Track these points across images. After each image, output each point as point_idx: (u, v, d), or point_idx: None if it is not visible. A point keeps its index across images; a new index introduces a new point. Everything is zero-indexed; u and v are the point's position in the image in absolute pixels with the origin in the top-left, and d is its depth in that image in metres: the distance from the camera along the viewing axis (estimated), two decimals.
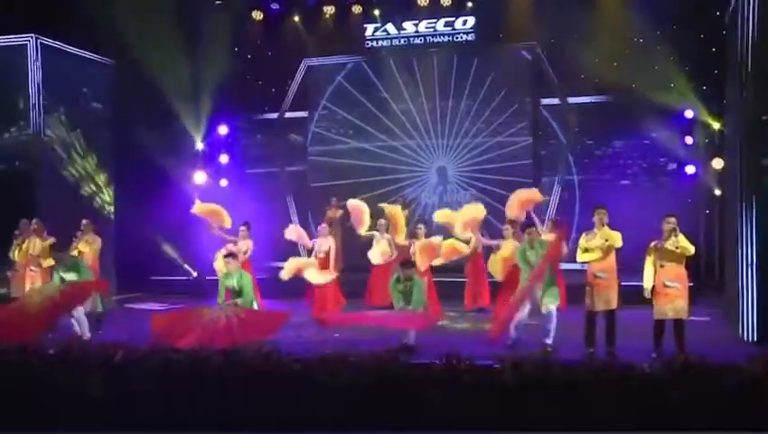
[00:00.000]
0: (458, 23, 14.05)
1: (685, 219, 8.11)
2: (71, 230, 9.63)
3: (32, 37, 11.50)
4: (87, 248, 9.38)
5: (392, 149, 14.30)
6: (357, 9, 14.37)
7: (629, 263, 7.87)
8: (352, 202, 10.79)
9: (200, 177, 14.16)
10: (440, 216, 10.30)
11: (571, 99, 13.47)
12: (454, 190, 14.08)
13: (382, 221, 10.79)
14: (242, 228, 10.19)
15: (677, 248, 7.21)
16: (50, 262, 9.09)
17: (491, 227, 11.18)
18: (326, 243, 10.05)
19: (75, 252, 9.21)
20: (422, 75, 14.19)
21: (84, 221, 9.54)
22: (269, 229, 11.68)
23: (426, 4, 14.09)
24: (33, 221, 9.70)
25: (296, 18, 14.62)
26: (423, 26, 14.25)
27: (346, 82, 14.56)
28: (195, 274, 13.31)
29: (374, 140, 14.36)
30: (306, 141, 14.82)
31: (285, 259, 9.81)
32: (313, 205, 14.22)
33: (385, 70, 14.33)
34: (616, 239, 7.51)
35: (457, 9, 13.97)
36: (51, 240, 9.37)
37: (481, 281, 10.45)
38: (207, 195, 12.91)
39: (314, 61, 14.73)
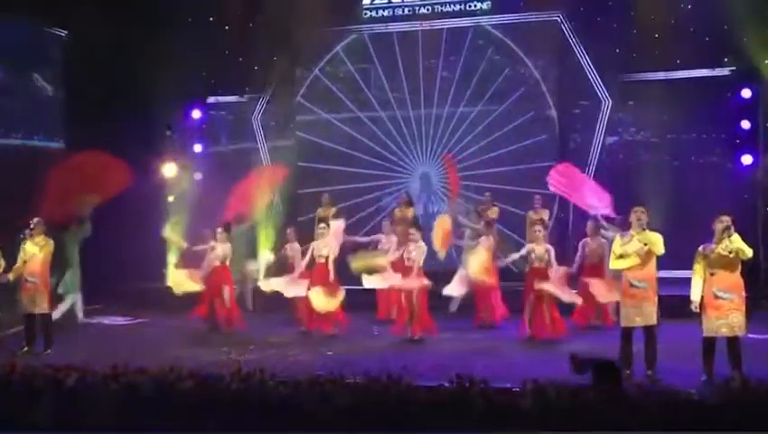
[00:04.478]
0: None
1: (741, 217, 8.10)
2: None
3: None
4: (36, 250, 9.34)
5: (397, 125, 14.31)
6: None
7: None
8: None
9: (169, 169, 14.13)
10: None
11: (604, 79, 13.30)
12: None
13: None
14: (219, 230, 10.70)
15: (730, 252, 7.14)
16: None
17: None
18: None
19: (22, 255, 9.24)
20: (423, 53, 14.12)
21: (35, 220, 9.46)
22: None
23: None
24: None
25: None
26: None
27: (341, 59, 14.54)
28: None
29: (375, 116, 14.38)
30: (293, 125, 14.84)
31: None
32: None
33: (384, 46, 14.29)
34: (657, 243, 7.45)
35: None
36: None
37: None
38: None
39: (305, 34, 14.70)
